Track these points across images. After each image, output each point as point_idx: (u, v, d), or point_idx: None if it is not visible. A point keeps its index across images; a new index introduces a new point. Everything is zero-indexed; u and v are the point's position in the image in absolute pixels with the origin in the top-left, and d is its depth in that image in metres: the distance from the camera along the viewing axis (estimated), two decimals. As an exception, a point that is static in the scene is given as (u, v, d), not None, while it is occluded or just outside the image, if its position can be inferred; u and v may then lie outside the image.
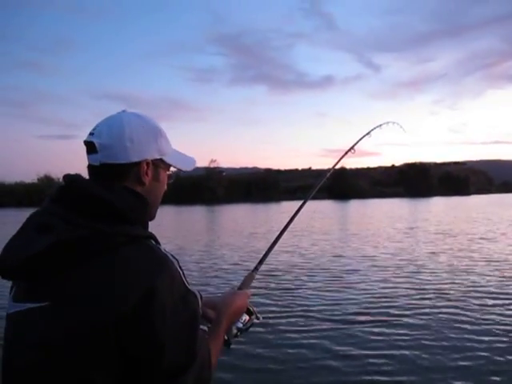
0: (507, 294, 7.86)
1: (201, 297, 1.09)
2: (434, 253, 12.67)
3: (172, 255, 1.05)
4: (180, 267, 1.04)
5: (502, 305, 7.12)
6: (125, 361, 0.93)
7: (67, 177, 1.07)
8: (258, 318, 1.43)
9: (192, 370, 0.99)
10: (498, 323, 6.16)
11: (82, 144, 1.13)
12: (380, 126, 2.45)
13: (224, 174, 77.43)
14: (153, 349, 0.93)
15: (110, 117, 1.13)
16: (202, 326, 1.10)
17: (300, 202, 1.95)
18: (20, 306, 0.98)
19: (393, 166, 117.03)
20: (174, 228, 24.26)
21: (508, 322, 6.20)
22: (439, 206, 42.82)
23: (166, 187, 1.22)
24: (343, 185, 78.18)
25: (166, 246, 1.08)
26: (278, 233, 1.80)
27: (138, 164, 1.10)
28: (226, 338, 1.28)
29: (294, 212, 1.91)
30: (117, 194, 1.02)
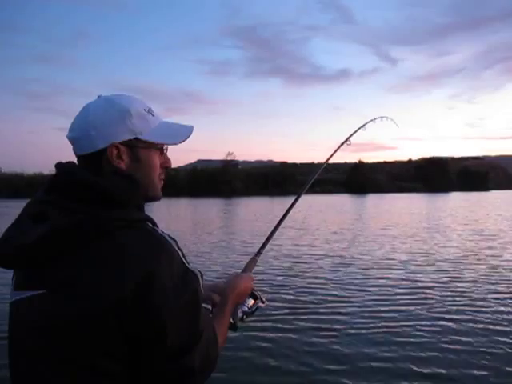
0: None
1: (201, 275, 1.07)
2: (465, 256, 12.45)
3: (170, 236, 1.03)
4: (179, 247, 1.03)
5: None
6: (129, 345, 0.93)
7: (59, 165, 1.06)
8: (263, 302, 1.45)
9: (198, 349, 0.99)
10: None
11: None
12: (374, 119, 2.53)
13: (239, 167, 77.27)
14: (156, 331, 0.93)
15: (84, 106, 1.10)
16: (204, 305, 1.09)
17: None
18: (20, 294, 0.99)
19: (410, 160, 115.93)
20: (191, 220, 24.38)
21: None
22: (460, 202, 42.01)
23: (157, 165, 1.14)
24: (360, 179, 77.64)
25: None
26: (278, 219, 1.85)
27: (106, 150, 1.05)
28: (232, 321, 1.29)
29: (293, 200, 2.00)
30: (108, 178, 1.01)
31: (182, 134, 1.17)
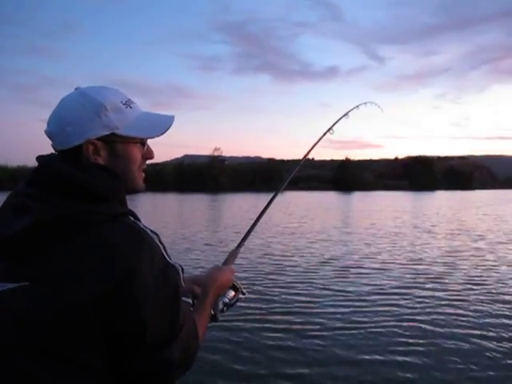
0: None
1: (182, 269, 1.09)
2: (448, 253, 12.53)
3: (151, 230, 1.04)
4: (161, 242, 1.04)
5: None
6: (109, 338, 0.94)
7: (40, 158, 1.07)
8: (243, 294, 1.48)
9: (177, 342, 1.01)
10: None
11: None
12: (357, 106, 2.48)
13: (226, 162, 77.20)
14: (136, 325, 0.94)
15: (60, 100, 1.10)
16: (184, 298, 1.11)
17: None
18: (1, 286, 0.97)
19: (396, 158, 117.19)
20: (178, 215, 24.28)
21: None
22: (446, 201, 42.52)
23: (137, 158, 1.14)
24: (347, 176, 78.12)
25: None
26: (258, 213, 1.87)
27: (81, 146, 1.05)
28: (213, 312, 1.31)
29: (273, 194, 2.02)
30: (91, 173, 1.02)
31: (161, 126, 1.16)
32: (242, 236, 1.73)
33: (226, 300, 1.42)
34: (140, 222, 1.05)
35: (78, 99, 1.07)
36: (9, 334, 0.94)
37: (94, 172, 1.03)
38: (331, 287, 8.04)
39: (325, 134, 2.26)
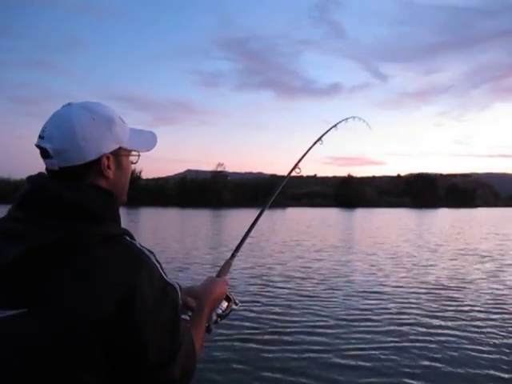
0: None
1: (180, 288, 1.09)
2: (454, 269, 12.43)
3: (148, 249, 1.04)
4: (157, 260, 1.04)
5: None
6: (110, 359, 0.94)
7: (31, 179, 1.04)
8: (236, 304, 1.49)
9: (177, 361, 1.01)
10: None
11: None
12: (346, 119, 2.57)
13: (229, 178, 77.34)
14: (137, 346, 0.94)
15: (56, 115, 1.07)
16: (183, 316, 1.12)
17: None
18: (0, 313, 0.95)
19: (398, 175, 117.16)
20: (180, 230, 24.24)
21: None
22: (449, 219, 42.27)
23: (130, 171, 1.19)
24: (350, 193, 78.17)
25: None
26: (250, 224, 1.88)
27: (97, 161, 1.06)
28: (206, 324, 1.32)
29: (268, 200, 2.04)
30: (83, 193, 1.00)
31: (153, 140, 1.23)
32: (235, 247, 1.74)
33: (220, 311, 1.43)
34: (136, 241, 1.04)
35: (85, 114, 1.05)
36: (10, 361, 0.93)
37: (91, 193, 1.02)
38: (333, 302, 7.99)
39: (314, 143, 2.31)
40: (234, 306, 1.48)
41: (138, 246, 1.03)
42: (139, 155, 1.19)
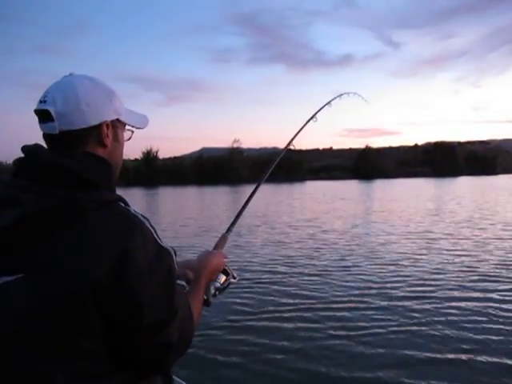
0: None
1: (175, 252, 1.10)
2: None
3: (142, 215, 1.06)
4: (151, 225, 1.05)
5: None
6: (107, 323, 0.95)
7: (26, 148, 1.05)
8: (234, 278, 1.50)
9: (174, 324, 1.02)
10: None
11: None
12: (340, 95, 2.57)
13: (244, 154, 77.06)
14: (132, 309, 0.96)
15: (59, 82, 1.09)
16: (179, 281, 1.12)
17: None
18: None
19: (416, 145, 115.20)
20: (201, 208, 24.39)
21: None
22: (470, 187, 41.10)
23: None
24: (368, 165, 77.34)
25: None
26: (246, 198, 1.94)
27: (97, 127, 1.09)
28: (205, 297, 1.34)
29: (262, 177, 2.08)
30: (79, 160, 1.01)
31: (145, 119, 1.27)
32: (231, 221, 1.77)
33: (218, 285, 1.44)
34: (130, 207, 1.06)
35: (87, 82, 1.09)
36: (9, 326, 0.94)
37: (86, 160, 1.03)
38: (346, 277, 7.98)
39: (308, 122, 2.33)
40: (232, 280, 1.49)
41: (132, 211, 1.04)
42: (133, 132, 1.23)
